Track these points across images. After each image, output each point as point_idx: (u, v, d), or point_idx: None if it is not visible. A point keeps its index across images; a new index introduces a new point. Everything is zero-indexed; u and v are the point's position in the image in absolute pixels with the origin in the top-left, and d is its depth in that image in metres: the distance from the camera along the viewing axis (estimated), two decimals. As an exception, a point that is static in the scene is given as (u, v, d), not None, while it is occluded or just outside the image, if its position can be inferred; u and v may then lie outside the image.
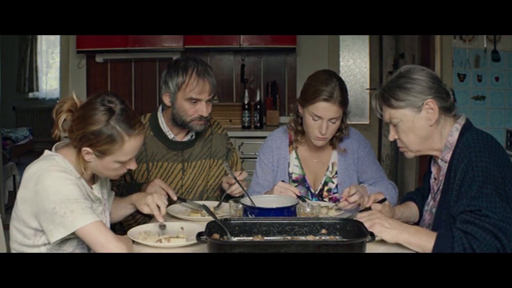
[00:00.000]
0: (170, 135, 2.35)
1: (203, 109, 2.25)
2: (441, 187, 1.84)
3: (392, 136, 1.86)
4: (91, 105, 1.70)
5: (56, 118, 1.74)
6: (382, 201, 1.98)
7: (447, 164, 1.81)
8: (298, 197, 2.11)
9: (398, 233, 1.70)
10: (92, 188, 1.82)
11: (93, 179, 1.84)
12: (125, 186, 2.29)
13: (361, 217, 1.78)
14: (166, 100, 2.29)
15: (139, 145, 1.75)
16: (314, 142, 2.28)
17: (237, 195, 2.18)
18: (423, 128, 1.79)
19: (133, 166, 1.79)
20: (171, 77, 2.25)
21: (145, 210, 1.93)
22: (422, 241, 1.66)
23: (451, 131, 1.81)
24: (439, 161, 1.85)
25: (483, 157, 1.67)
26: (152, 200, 1.91)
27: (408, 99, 1.78)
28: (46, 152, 1.78)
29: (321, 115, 2.19)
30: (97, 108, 1.68)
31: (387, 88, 1.83)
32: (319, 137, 2.23)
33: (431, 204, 1.92)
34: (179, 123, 2.29)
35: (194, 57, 2.32)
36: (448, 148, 1.80)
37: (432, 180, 1.94)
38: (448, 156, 1.80)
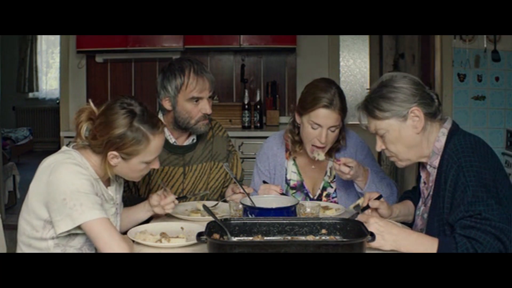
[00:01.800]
0: (171, 140, 2.34)
1: (206, 106, 2.23)
2: (431, 193, 1.82)
3: (379, 146, 1.84)
4: (111, 110, 1.73)
5: (78, 128, 1.76)
6: (377, 199, 1.97)
7: (436, 170, 1.79)
8: (281, 194, 2.13)
9: (397, 245, 1.66)
10: (107, 189, 1.83)
11: (108, 181, 1.86)
12: (129, 197, 2.28)
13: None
14: (167, 104, 2.26)
15: (163, 143, 1.80)
16: (310, 156, 2.25)
17: None
18: (410, 136, 1.77)
19: (157, 165, 1.83)
20: (169, 81, 2.22)
21: (157, 210, 1.98)
22: (424, 251, 1.63)
23: (438, 136, 1.78)
24: (428, 166, 1.83)
25: (473, 162, 1.65)
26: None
27: (392, 109, 1.75)
28: (64, 147, 1.81)
29: (321, 123, 2.16)
30: (118, 112, 1.72)
31: (370, 99, 1.81)
32: (317, 146, 2.20)
33: (422, 209, 1.91)
34: (182, 127, 2.28)
35: (188, 58, 2.31)
36: (435, 153, 1.78)
37: (422, 185, 1.92)
38: (436, 162, 1.78)
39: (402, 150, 1.80)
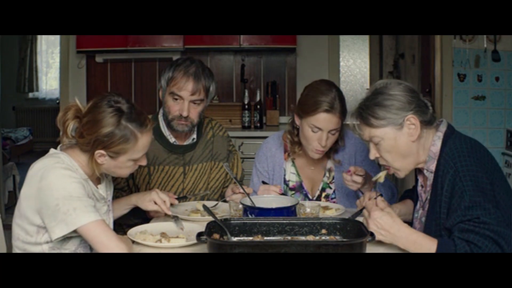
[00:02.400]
0: (171, 139, 2.34)
1: (183, 108, 2.23)
2: (429, 197, 1.81)
3: (373, 154, 1.81)
4: (98, 108, 1.71)
5: (64, 126, 1.74)
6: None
7: (433, 174, 1.77)
8: (281, 195, 2.12)
9: (396, 244, 1.66)
10: (97, 187, 1.83)
11: (98, 179, 1.85)
12: (126, 191, 2.29)
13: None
14: (160, 95, 2.33)
15: (150, 140, 1.79)
16: (311, 155, 2.25)
17: None
18: (406, 144, 1.75)
19: (144, 162, 1.83)
20: (164, 73, 2.28)
21: (150, 207, 1.98)
22: (422, 252, 1.62)
23: (434, 140, 1.76)
24: (425, 171, 1.81)
25: (469, 166, 1.64)
26: (157, 195, 1.96)
27: (388, 117, 1.73)
28: (52, 150, 1.78)
29: (322, 127, 2.15)
30: (105, 110, 1.70)
31: (364, 106, 1.78)
32: (318, 149, 2.20)
33: (420, 212, 1.90)
34: (165, 120, 2.31)
35: (194, 59, 2.32)
36: (432, 158, 1.76)
37: (419, 188, 1.91)
38: (433, 166, 1.76)
39: (397, 158, 1.77)
